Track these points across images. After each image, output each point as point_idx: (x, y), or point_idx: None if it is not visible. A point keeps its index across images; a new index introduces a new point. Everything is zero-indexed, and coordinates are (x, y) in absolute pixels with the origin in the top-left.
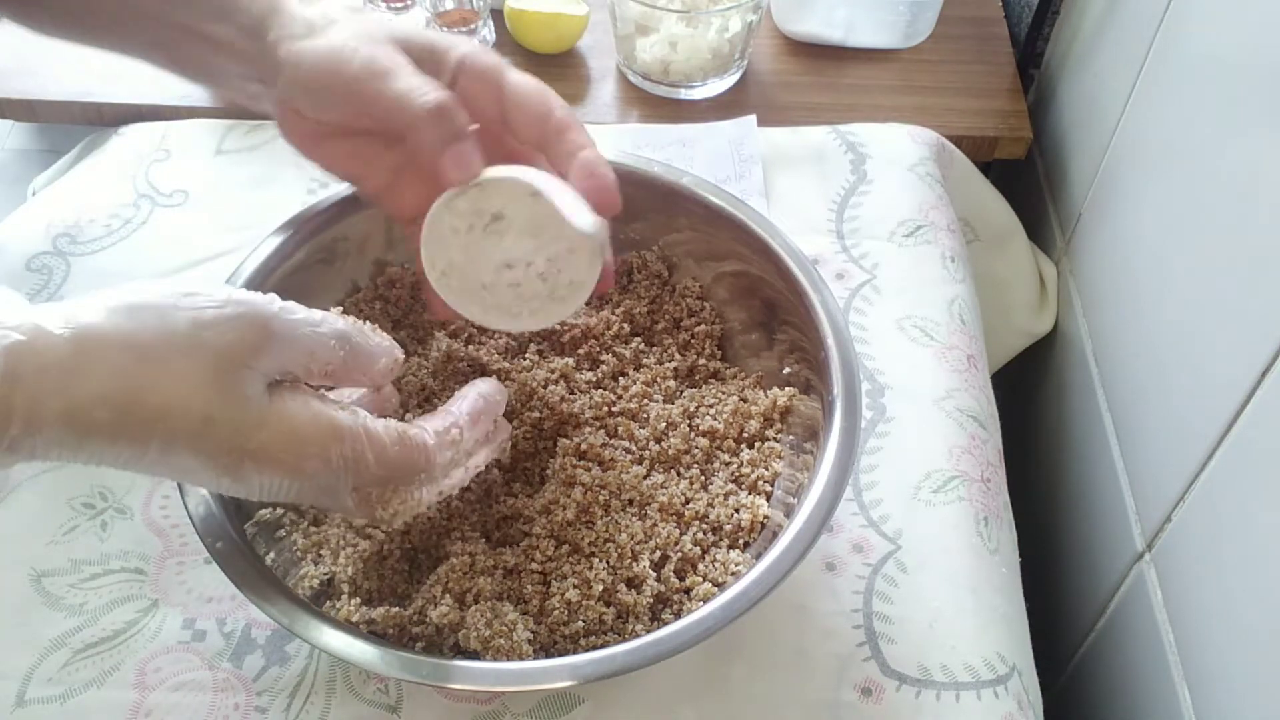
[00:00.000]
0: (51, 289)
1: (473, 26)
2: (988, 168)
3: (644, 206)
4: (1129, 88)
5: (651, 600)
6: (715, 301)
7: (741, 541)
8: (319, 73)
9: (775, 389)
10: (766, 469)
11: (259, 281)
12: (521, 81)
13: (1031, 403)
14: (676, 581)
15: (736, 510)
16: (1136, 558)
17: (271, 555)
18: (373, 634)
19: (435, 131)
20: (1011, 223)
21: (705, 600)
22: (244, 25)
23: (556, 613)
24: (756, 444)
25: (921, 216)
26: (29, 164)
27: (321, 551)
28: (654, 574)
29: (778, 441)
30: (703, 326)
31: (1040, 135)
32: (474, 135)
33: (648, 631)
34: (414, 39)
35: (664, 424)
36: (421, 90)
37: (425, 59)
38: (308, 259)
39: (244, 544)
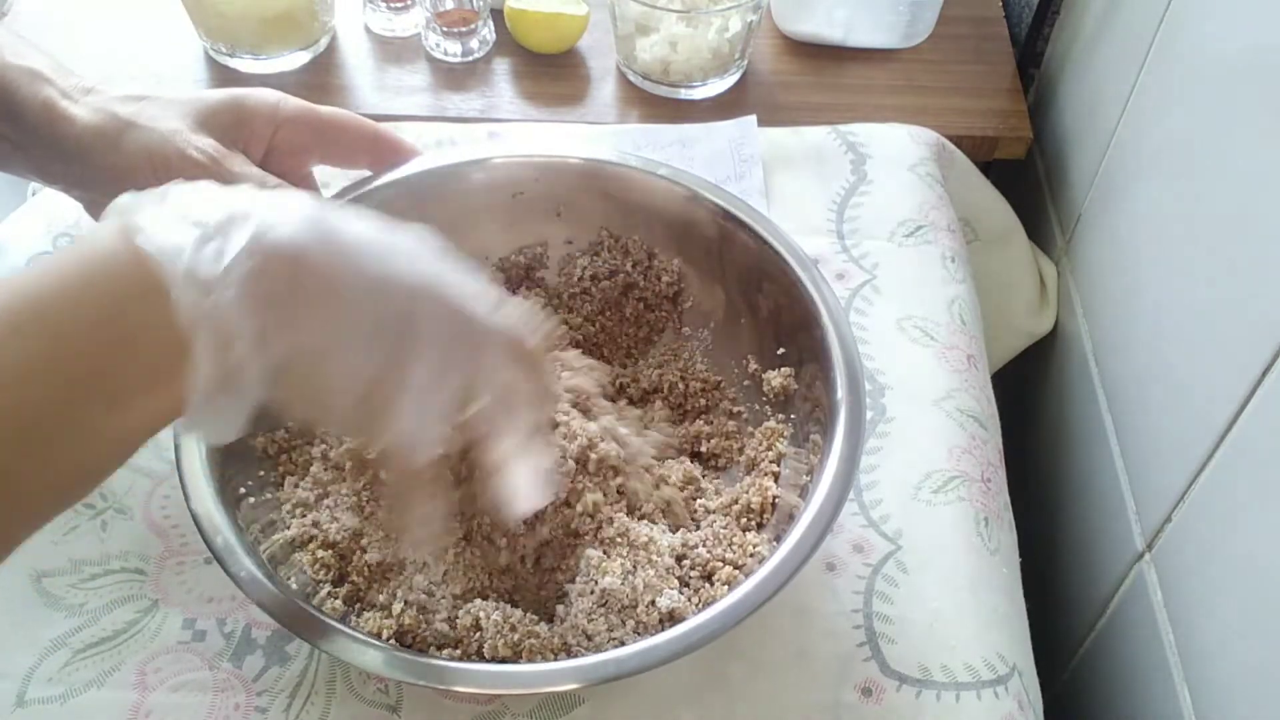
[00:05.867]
0: None
1: (473, 26)
2: (988, 168)
3: (644, 206)
4: (1129, 88)
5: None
6: (714, 297)
7: (755, 523)
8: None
9: (771, 371)
10: (770, 450)
11: None
12: (337, 112)
13: (1031, 403)
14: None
15: (745, 491)
16: (1136, 558)
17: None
18: (392, 641)
19: None
20: (1011, 223)
21: (728, 584)
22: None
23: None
24: (758, 426)
25: (921, 216)
26: None
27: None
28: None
29: (779, 424)
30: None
31: (1040, 135)
32: None
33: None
34: (218, 112)
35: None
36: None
37: (235, 126)
38: None
39: (251, 543)
